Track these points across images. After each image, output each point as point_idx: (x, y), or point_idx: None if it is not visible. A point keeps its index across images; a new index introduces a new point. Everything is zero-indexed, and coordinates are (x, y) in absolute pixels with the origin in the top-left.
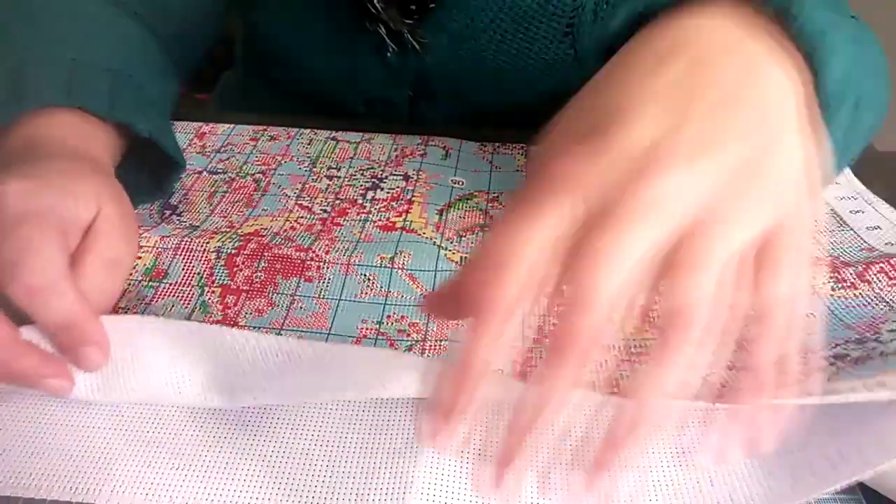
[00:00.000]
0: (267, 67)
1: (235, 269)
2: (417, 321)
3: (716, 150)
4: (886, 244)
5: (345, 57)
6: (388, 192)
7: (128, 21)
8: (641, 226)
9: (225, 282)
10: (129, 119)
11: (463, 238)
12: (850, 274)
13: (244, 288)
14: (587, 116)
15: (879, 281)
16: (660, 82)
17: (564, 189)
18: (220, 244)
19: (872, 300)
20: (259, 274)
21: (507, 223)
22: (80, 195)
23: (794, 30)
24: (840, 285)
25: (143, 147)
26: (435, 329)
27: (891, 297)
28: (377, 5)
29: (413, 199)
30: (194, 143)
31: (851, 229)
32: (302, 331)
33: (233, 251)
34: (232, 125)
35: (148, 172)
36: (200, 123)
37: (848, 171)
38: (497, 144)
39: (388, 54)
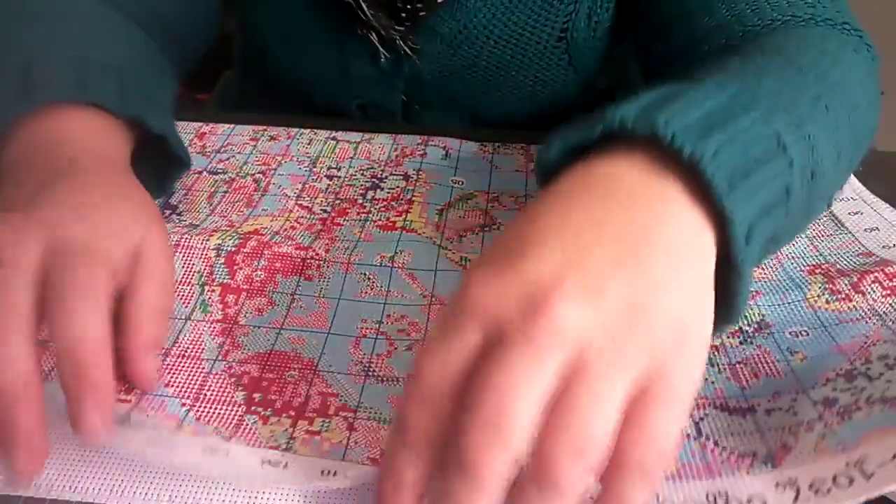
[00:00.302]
0: (263, 70)
1: (235, 267)
2: (417, 320)
3: (605, 288)
4: (884, 247)
5: (338, 62)
6: (388, 192)
7: (127, 22)
8: (539, 355)
9: (225, 280)
10: (140, 114)
11: (463, 238)
12: (845, 285)
13: (244, 287)
14: (501, 247)
15: (874, 291)
16: (568, 219)
17: (470, 316)
18: (219, 242)
19: (866, 314)
20: (259, 272)
21: (424, 350)
22: (127, 227)
23: (704, 183)
24: (835, 297)
25: (145, 146)
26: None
27: (884, 310)
28: (367, 12)
29: (413, 198)
30: (194, 143)
31: (849, 232)
32: (302, 330)
33: (232, 249)
34: (232, 125)
35: (149, 171)
36: (200, 123)
37: None
38: (497, 144)
39: (382, 60)
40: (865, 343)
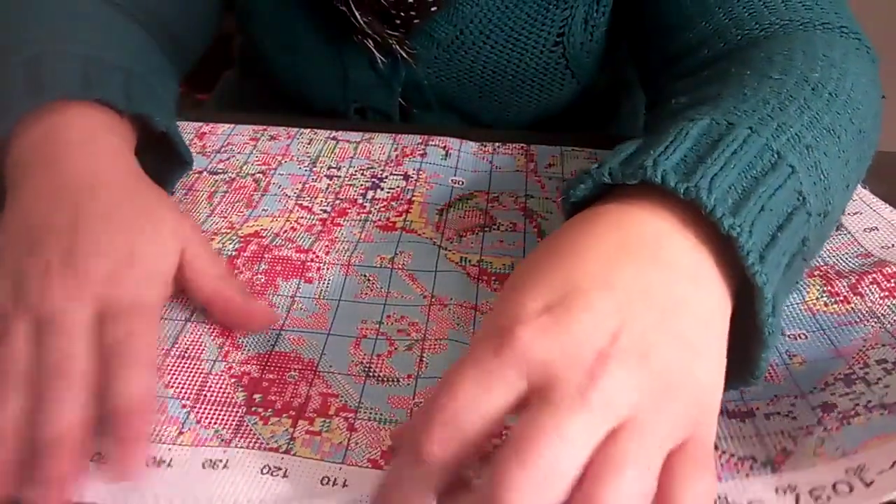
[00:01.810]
0: (263, 71)
1: (236, 271)
2: (417, 321)
3: (655, 356)
4: (882, 248)
5: (336, 68)
6: (388, 192)
7: (128, 22)
8: (593, 416)
9: None
10: (146, 112)
11: (463, 238)
12: (844, 287)
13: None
14: (548, 282)
15: (872, 293)
16: (619, 276)
17: (515, 360)
18: (220, 246)
19: (864, 315)
20: (259, 276)
21: (455, 383)
22: (164, 246)
23: (738, 255)
24: (833, 299)
25: (146, 145)
26: (434, 328)
27: (882, 312)
28: (360, 20)
29: (413, 198)
30: (194, 143)
31: (848, 233)
32: (302, 331)
33: (233, 253)
34: (232, 125)
35: (150, 170)
36: (200, 123)
37: None
38: (497, 144)
39: (379, 65)
40: (864, 346)
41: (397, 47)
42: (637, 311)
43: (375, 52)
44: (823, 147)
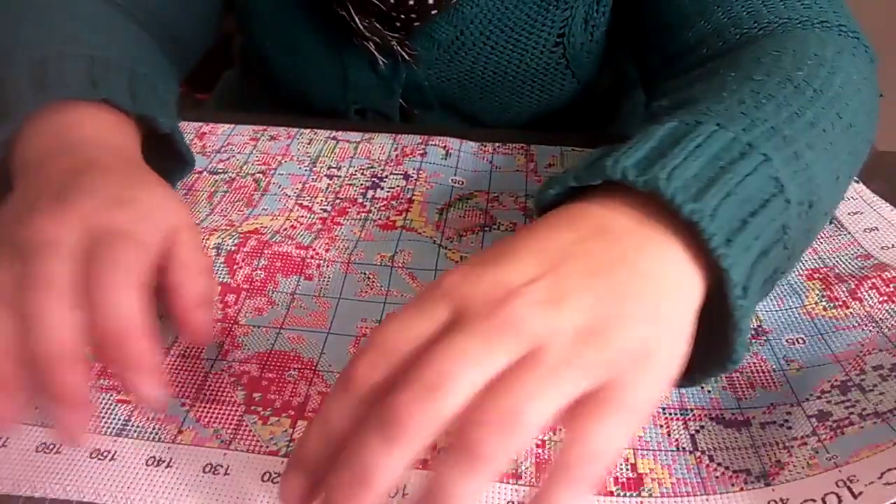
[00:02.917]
0: (263, 72)
1: (235, 266)
2: None
3: (572, 301)
4: (882, 248)
5: (337, 69)
6: (388, 192)
7: (129, 23)
8: (490, 339)
9: (225, 280)
10: (151, 112)
11: (463, 237)
12: (843, 292)
13: (244, 286)
14: (485, 254)
15: (871, 298)
16: (554, 239)
17: (442, 296)
18: (219, 241)
19: (862, 320)
20: (259, 272)
21: (388, 320)
22: (158, 210)
23: (701, 240)
24: (832, 304)
25: (148, 145)
26: None
27: (880, 316)
28: (360, 24)
29: (413, 198)
30: (194, 143)
31: (849, 233)
32: (301, 329)
33: (232, 248)
34: (232, 125)
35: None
36: (200, 123)
37: None
38: (497, 144)
39: (380, 66)
40: (861, 352)
41: (398, 48)
42: (563, 261)
43: (376, 53)
44: (805, 139)
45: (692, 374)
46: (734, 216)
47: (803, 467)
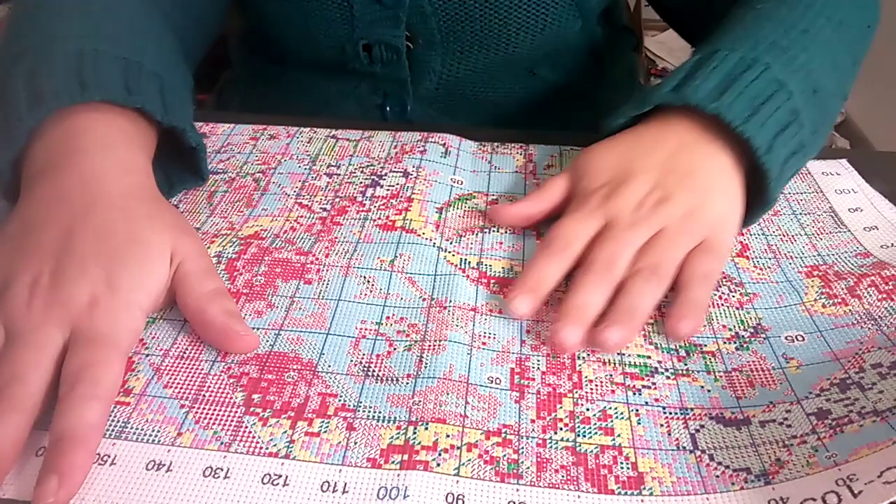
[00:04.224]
0: (264, 38)
1: (236, 273)
2: (416, 322)
3: (676, 197)
4: (882, 246)
5: (341, 3)
6: (387, 190)
7: (161, 24)
8: (642, 228)
9: (226, 286)
10: (181, 125)
11: (462, 238)
12: (842, 289)
13: (244, 291)
14: (609, 169)
15: (870, 295)
16: (653, 160)
17: (593, 210)
18: (220, 249)
19: (861, 318)
20: (259, 278)
21: (566, 220)
22: (152, 270)
23: (726, 124)
24: (831, 301)
25: (162, 149)
26: (434, 329)
27: (879, 314)
28: None
29: (413, 196)
30: None
31: (848, 230)
32: (301, 331)
33: (233, 256)
34: (232, 125)
35: (158, 172)
36: (200, 123)
37: (847, 164)
38: (496, 144)
39: None
40: (860, 349)
41: None
42: (667, 178)
43: None
44: (800, 44)
45: (747, 220)
46: (746, 107)
47: (803, 466)
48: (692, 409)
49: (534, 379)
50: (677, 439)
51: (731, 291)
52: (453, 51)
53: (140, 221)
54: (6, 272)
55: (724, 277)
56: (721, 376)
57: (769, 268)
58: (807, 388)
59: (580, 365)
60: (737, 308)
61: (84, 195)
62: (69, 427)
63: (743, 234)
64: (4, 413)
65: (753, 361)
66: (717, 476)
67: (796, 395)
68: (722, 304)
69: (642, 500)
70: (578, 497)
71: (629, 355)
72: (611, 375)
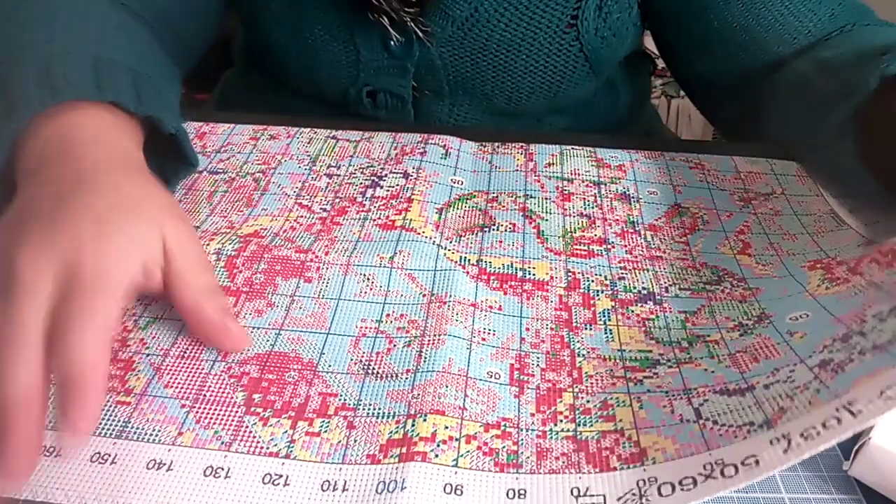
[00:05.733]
0: (269, 65)
1: (235, 270)
2: (416, 319)
3: None
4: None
5: (348, 48)
6: (387, 190)
7: (135, 23)
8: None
9: (224, 283)
10: (157, 113)
11: (462, 238)
12: (843, 271)
13: (244, 289)
14: None
15: (871, 270)
16: None
17: None
18: (219, 246)
19: (864, 287)
20: (259, 275)
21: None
22: (144, 235)
23: None
24: (834, 283)
25: (150, 146)
26: (433, 324)
27: (881, 279)
28: None
29: (413, 196)
30: (194, 143)
31: (850, 227)
32: (301, 331)
33: (232, 253)
34: (232, 125)
35: (154, 171)
36: (200, 123)
37: None
38: (497, 144)
39: (392, 44)
40: (862, 309)
41: (412, 25)
42: None
43: (390, 29)
44: None
45: None
46: None
47: (804, 406)
48: (695, 389)
49: (533, 375)
50: (680, 415)
51: (734, 287)
52: (461, 102)
53: (133, 197)
54: (6, 261)
55: (727, 273)
56: (725, 358)
57: (772, 264)
58: (811, 350)
59: (580, 362)
60: (740, 301)
61: (78, 180)
62: (73, 366)
63: (745, 234)
64: (12, 362)
65: (758, 342)
66: (721, 435)
67: (799, 356)
68: (725, 299)
69: (644, 470)
70: (580, 478)
71: (630, 351)
72: (611, 370)
